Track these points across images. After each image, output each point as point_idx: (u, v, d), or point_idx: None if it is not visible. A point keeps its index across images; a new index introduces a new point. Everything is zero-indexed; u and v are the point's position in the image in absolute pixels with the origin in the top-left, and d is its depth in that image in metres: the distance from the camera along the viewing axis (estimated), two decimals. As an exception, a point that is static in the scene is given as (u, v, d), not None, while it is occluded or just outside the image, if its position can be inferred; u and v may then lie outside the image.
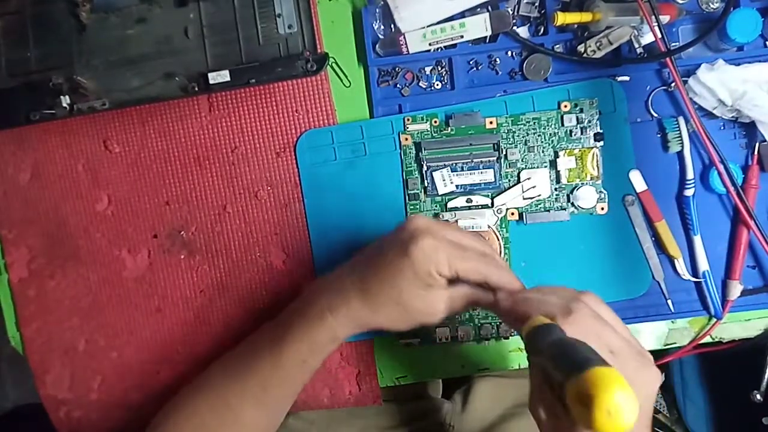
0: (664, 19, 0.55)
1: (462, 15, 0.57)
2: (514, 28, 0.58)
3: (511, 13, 0.57)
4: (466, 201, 0.57)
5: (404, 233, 0.46)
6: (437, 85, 0.59)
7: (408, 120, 0.58)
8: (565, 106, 0.56)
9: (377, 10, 0.58)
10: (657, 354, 0.59)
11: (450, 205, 0.58)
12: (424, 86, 0.60)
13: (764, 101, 0.54)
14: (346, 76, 0.60)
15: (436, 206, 0.58)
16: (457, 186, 0.57)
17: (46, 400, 0.65)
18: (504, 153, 0.57)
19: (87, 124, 0.63)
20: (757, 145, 0.57)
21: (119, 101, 0.58)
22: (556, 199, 0.57)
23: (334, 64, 0.60)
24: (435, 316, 0.47)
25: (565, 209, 0.57)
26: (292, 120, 0.60)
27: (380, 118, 0.59)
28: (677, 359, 0.83)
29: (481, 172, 0.57)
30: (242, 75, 0.56)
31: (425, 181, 0.57)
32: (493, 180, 0.57)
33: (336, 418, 0.72)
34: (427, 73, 0.60)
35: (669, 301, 0.58)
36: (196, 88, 0.56)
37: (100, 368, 0.64)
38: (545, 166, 0.57)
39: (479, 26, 0.57)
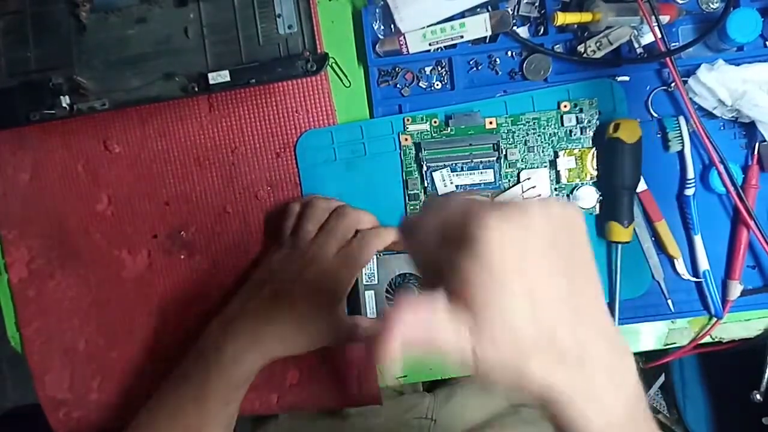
0: (664, 19, 0.55)
1: (462, 15, 0.57)
2: (514, 28, 0.58)
3: (511, 13, 0.57)
4: None
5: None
6: (437, 85, 0.59)
7: (408, 120, 0.58)
8: (565, 106, 0.56)
9: (377, 10, 0.58)
10: (657, 354, 0.60)
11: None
12: (424, 86, 0.60)
13: (764, 101, 0.54)
14: (346, 76, 0.60)
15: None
16: (457, 186, 0.57)
17: (45, 401, 0.65)
18: (504, 153, 0.57)
19: (87, 125, 0.63)
20: (756, 145, 0.57)
21: (119, 101, 0.58)
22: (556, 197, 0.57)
23: (334, 64, 0.60)
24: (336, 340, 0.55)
25: None
26: (292, 120, 0.61)
27: (380, 119, 0.59)
28: (677, 359, 0.83)
29: (481, 173, 0.57)
30: (242, 75, 0.55)
31: (425, 182, 0.57)
32: (493, 180, 0.57)
33: (318, 424, 0.73)
34: (427, 73, 0.60)
35: (669, 301, 0.58)
36: (196, 89, 0.56)
37: (99, 368, 0.64)
38: (545, 166, 0.57)
39: (479, 26, 0.57)
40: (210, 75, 0.55)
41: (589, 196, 0.56)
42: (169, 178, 0.62)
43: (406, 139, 0.58)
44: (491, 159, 0.57)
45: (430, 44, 0.58)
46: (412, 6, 0.56)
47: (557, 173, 0.57)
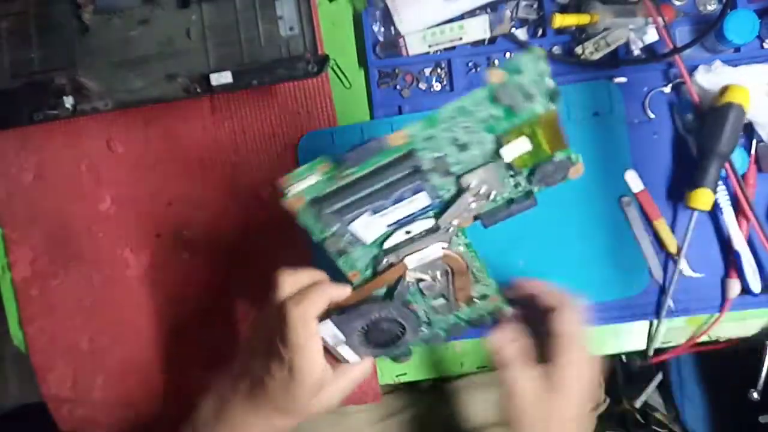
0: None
1: (461, 17, 0.58)
2: (513, 30, 0.58)
3: (509, 15, 0.58)
4: (406, 234, 0.44)
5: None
6: (437, 86, 0.60)
7: (287, 180, 0.40)
8: (494, 76, 0.37)
9: (377, 13, 0.59)
10: (655, 352, 0.60)
11: (387, 245, 0.45)
12: (423, 88, 0.60)
13: (761, 102, 0.54)
14: (347, 78, 0.61)
15: (371, 252, 0.46)
16: (389, 225, 0.43)
17: (49, 399, 0.65)
18: (431, 167, 0.41)
19: (90, 125, 0.63)
20: (754, 145, 0.57)
21: (122, 102, 0.58)
22: (515, 186, 0.43)
23: (334, 66, 0.61)
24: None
25: (531, 192, 0.44)
26: (293, 121, 0.61)
27: (380, 120, 0.60)
28: (675, 358, 0.83)
29: (411, 201, 0.42)
30: (244, 76, 0.56)
31: (341, 242, 0.44)
32: (428, 202, 0.42)
33: (320, 421, 0.73)
34: (427, 74, 0.60)
35: (668, 300, 0.58)
36: (198, 90, 0.57)
37: (103, 367, 0.64)
38: (491, 161, 0.41)
39: (478, 28, 0.57)
40: (212, 76, 0.56)
41: (554, 172, 0.42)
42: (172, 179, 0.63)
43: (298, 201, 0.41)
44: (416, 182, 0.41)
45: (429, 46, 0.58)
46: (411, 8, 0.57)
47: (509, 164, 0.41)
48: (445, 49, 0.59)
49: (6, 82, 0.59)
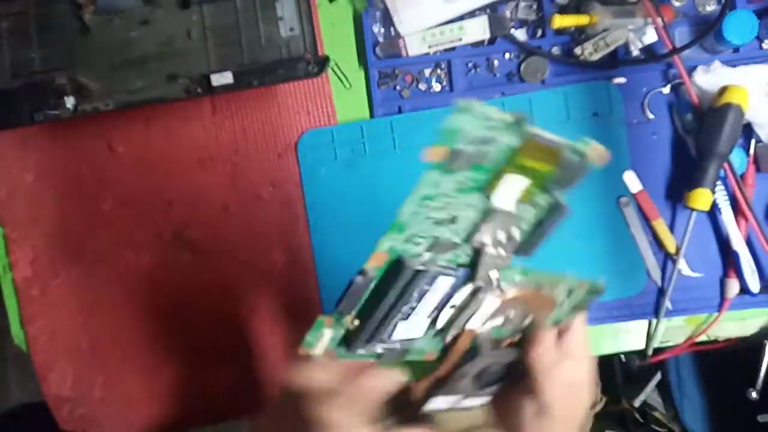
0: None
1: (461, 18, 0.58)
2: (512, 30, 0.59)
3: (509, 16, 0.58)
4: (452, 309, 0.40)
5: None
6: (436, 87, 0.60)
7: (306, 350, 0.36)
8: (433, 155, 0.31)
9: (377, 13, 0.59)
10: (654, 352, 0.60)
11: (440, 325, 0.40)
12: (423, 88, 0.60)
13: (760, 103, 0.54)
14: (347, 78, 0.61)
15: (430, 337, 0.41)
16: (427, 316, 0.40)
17: (50, 399, 0.65)
18: (431, 255, 0.37)
19: (91, 125, 0.63)
20: (753, 145, 0.57)
21: (123, 102, 0.58)
22: (536, 209, 0.39)
23: (334, 66, 0.61)
24: None
25: (558, 203, 0.39)
26: (293, 121, 0.61)
27: (379, 118, 0.60)
28: (674, 357, 0.83)
29: (434, 289, 0.38)
30: (245, 77, 0.56)
31: (395, 348, 0.40)
32: (453, 278, 0.38)
33: None
34: (427, 75, 0.60)
35: (666, 300, 0.58)
36: (199, 90, 0.57)
37: (103, 366, 0.65)
38: (494, 214, 0.37)
39: (478, 29, 0.57)
40: (213, 77, 0.56)
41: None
42: (173, 179, 0.63)
43: (331, 356, 0.38)
44: (425, 275, 0.37)
45: (429, 47, 0.58)
46: (411, 9, 0.57)
47: (516, 205, 0.37)
48: (445, 50, 0.59)
49: (6, 82, 0.59)
